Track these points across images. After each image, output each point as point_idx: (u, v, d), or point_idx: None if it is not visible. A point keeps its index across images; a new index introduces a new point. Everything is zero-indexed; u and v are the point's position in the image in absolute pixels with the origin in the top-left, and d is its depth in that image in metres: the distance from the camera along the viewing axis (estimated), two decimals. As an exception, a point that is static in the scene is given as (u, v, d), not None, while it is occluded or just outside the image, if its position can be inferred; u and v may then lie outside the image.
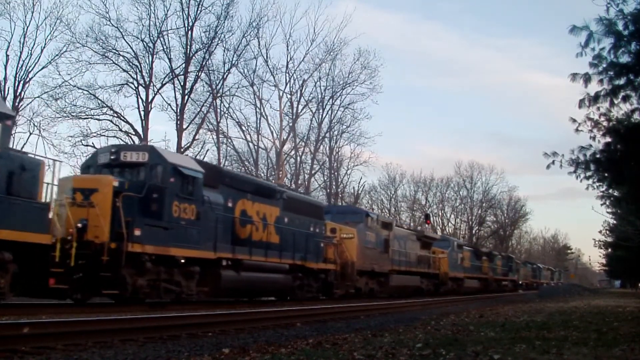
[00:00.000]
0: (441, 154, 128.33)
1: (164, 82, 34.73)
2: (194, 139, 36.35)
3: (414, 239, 31.79)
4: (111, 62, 33.41)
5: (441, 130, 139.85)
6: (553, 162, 11.44)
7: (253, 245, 16.83)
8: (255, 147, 42.40)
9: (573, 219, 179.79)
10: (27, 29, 31.94)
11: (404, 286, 28.78)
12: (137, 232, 12.61)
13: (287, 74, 42.55)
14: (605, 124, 10.84)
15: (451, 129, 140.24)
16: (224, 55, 37.19)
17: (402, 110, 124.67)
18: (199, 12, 34.66)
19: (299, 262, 19.00)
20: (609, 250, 42.24)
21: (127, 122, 33.79)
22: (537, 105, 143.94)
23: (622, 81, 9.90)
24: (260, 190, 18.00)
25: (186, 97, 34.99)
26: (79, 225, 11.87)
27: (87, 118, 33.12)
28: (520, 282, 60.32)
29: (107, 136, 33.18)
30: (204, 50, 35.15)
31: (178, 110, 34.59)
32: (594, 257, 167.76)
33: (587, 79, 9.94)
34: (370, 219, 26.01)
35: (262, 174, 42.24)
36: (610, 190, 15.35)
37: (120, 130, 33.41)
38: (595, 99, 10.16)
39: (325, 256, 21.19)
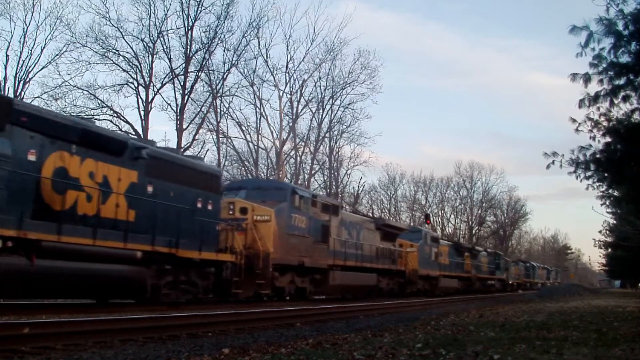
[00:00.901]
0: (441, 154, 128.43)
1: (164, 82, 34.84)
2: (194, 139, 36.45)
3: (371, 227, 26.09)
4: (111, 62, 33.55)
5: (441, 130, 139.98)
6: (553, 162, 11.47)
7: (78, 221, 11.67)
8: (255, 147, 42.49)
9: (573, 219, 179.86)
10: (27, 29, 32.03)
11: (351, 285, 23.20)
12: None
13: (287, 74, 42.65)
14: (605, 124, 10.86)
15: (451, 129, 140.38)
16: (224, 55, 37.31)
17: (403, 110, 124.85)
18: (199, 12, 34.77)
19: (165, 249, 13.56)
20: (609, 250, 42.28)
21: (127, 122, 33.89)
22: (537, 105, 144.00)
23: (622, 81, 9.91)
24: (98, 142, 12.45)
25: (186, 97, 35.06)
26: None
27: (87, 118, 33.09)
28: (510, 282, 55.93)
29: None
30: (204, 50, 35.26)
31: (178, 110, 34.65)
32: (594, 257, 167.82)
33: (587, 79, 9.95)
34: (297, 197, 19.67)
35: (262, 174, 42.28)
36: (610, 190, 15.37)
37: (121, 130, 33.44)
38: (595, 99, 10.17)
39: (227, 244, 16.01)
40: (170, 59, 34.64)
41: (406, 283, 29.22)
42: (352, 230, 23.84)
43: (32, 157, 10.88)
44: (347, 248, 22.93)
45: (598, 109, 10.51)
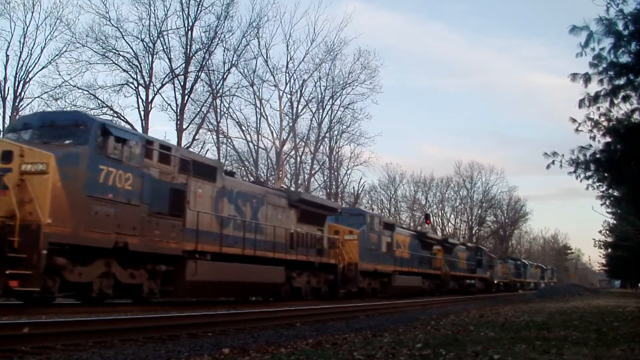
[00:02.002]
0: (441, 154, 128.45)
1: (164, 82, 34.78)
2: (194, 139, 36.40)
3: (280, 203, 19.21)
4: (111, 62, 33.47)
5: (441, 130, 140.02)
6: (553, 162, 11.48)
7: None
8: (255, 147, 42.45)
9: (573, 219, 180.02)
10: (27, 29, 32.06)
11: (233, 282, 16.23)
12: None
13: (287, 74, 42.59)
14: (605, 124, 10.87)
15: (451, 128, 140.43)
16: (224, 55, 37.25)
17: (403, 110, 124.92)
18: (199, 12, 34.71)
19: None
20: (609, 250, 42.30)
21: (127, 122, 33.79)
22: (538, 105, 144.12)
23: (622, 81, 9.92)
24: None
25: (186, 97, 35.01)
26: None
27: (87, 118, 33.07)
28: (495, 282, 50.10)
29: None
30: (204, 50, 35.20)
31: (178, 110, 34.61)
32: (594, 257, 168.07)
33: (587, 79, 9.96)
34: (112, 140, 12.55)
35: (262, 174, 42.29)
36: (610, 190, 15.38)
37: (120, 130, 33.40)
38: (595, 99, 10.18)
39: None
40: (170, 59, 34.63)
41: (344, 280, 22.72)
42: (243, 205, 17.07)
43: None
44: (227, 228, 16.01)
45: (598, 109, 10.53)
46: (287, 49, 42.64)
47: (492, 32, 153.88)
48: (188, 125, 35.91)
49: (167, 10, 34.17)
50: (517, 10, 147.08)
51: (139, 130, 33.29)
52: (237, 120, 41.67)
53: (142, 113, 33.72)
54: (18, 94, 31.58)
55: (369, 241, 25.25)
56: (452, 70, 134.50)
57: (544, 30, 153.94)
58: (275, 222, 18.64)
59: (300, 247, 19.97)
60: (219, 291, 16.99)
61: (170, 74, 34.58)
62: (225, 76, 37.25)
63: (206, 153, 39.03)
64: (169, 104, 35.05)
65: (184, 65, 34.68)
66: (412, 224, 65.40)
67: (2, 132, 27.08)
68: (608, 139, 10.98)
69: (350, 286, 23.23)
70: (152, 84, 34.12)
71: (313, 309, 14.44)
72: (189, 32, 34.59)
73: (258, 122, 42.07)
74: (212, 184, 15.77)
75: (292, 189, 40.23)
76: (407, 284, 29.06)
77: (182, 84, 34.75)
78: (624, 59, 9.78)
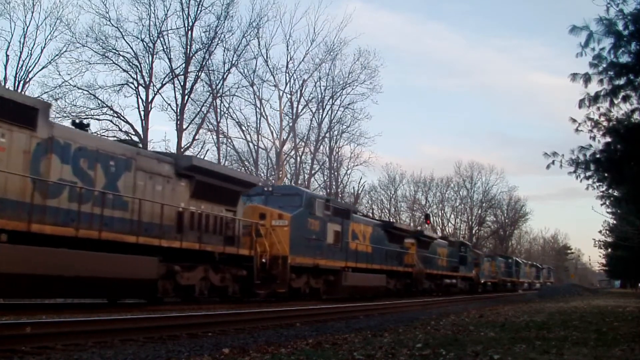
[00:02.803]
0: (441, 154, 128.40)
1: (164, 82, 34.83)
2: (194, 139, 36.45)
3: (161, 171, 14.57)
4: (111, 62, 33.53)
5: (442, 130, 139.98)
6: (553, 162, 11.48)
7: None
8: (255, 147, 42.47)
9: (573, 219, 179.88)
10: (27, 29, 32.01)
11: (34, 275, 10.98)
12: None
13: (287, 74, 42.62)
14: (605, 124, 10.87)
15: (451, 128, 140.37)
16: (224, 55, 37.30)
17: (403, 110, 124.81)
18: (199, 12, 34.77)
19: None
20: (609, 250, 42.30)
21: (127, 122, 33.87)
22: (538, 105, 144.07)
23: (622, 81, 9.93)
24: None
25: (186, 97, 35.06)
26: None
27: (87, 118, 33.15)
28: (482, 282, 45.32)
29: (107, 136, 33.21)
30: (204, 50, 35.25)
31: (178, 110, 34.65)
32: (594, 257, 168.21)
33: (587, 79, 9.97)
34: None
35: (262, 174, 42.29)
36: (610, 190, 15.38)
37: (120, 130, 33.50)
38: (595, 99, 10.19)
39: None
40: (170, 59, 34.68)
41: (267, 279, 17.80)
42: (90, 168, 12.62)
43: None
44: (54, 198, 11.63)
45: (598, 109, 10.53)
46: (287, 49, 42.74)
47: (493, 32, 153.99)
48: (188, 125, 35.99)
49: (167, 10, 34.27)
50: (517, 10, 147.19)
51: (139, 130, 33.35)
52: (237, 120, 41.74)
53: (142, 113, 33.78)
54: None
55: (307, 229, 20.00)
56: (452, 70, 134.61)
57: (543, 30, 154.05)
58: (149, 195, 13.89)
59: (194, 232, 15.04)
60: (32, 289, 11.11)
61: (170, 74, 34.65)
62: (225, 76, 37.35)
63: (206, 153, 39.07)
64: (169, 104, 35.14)
65: (184, 65, 34.73)
66: (412, 224, 65.43)
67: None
68: (608, 139, 11.00)
69: (276, 285, 18.31)
70: (152, 84, 34.18)
71: (313, 309, 14.45)
72: (189, 32, 34.67)
73: (258, 122, 42.14)
74: (28, 132, 11.21)
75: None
76: (364, 284, 23.59)
77: (182, 84, 34.80)
78: (624, 59, 9.80)
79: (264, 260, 17.86)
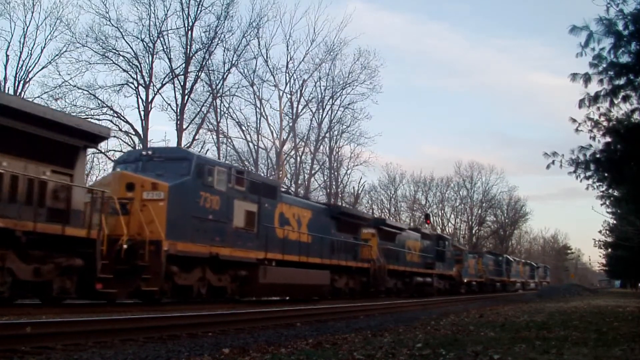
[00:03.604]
0: (441, 154, 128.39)
1: (164, 82, 34.87)
2: (194, 139, 36.46)
3: None
4: (111, 62, 33.58)
5: (442, 130, 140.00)
6: (553, 162, 11.49)
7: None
8: (255, 147, 42.48)
9: (573, 219, 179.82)
10: (27, 29, 32.06)
11: None
12: None
13: (287, 74, 42.62)
14: (605, 124, 10.87)
15: (452, 128, 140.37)
16: (224, 55, 37.31)
17: (403, 110, 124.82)
18: (199, 12, 34.80)
19: None
20: (609, 250, 42.26)
21: (127, 122, 33.89)
22: (538, 105, 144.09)
23: (622, 81, 9.93)
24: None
25: (186, 97, 35.07)
26: None
27: (87, 118, 33.17)
28: (465, 281, 40.61)
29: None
30: (204, 50, 35.28)
31: (178, 110, 34.67)
32: (594, 257, 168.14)
33: (587, 79, 9.97)
34: None
35: (262, 174, 42.29)
36: (610, 190, 15.38)
37: (120, 130, 33.52)
38: (595, 99, 10.19)
39: None
40: (170, 59, 34.71)
41: (129, 272, 13.00)
42: None
43: None
44: None
45: (598, 109, 10.54)
46: (287, 49, 42.74)
47: (493, 32, 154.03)
48: (188, 125, 36.01)
49: (167, 10, 34.30)
50: (518, 11, 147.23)
51: (139, 130, 33.35)
52: (237, 120, 41.73)
53: (142, 113, 33.81)
54: (18, 94, 31.56)
55: (199, 206, 14.84)
56: (452, 70, 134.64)
57: (544, 30, 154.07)
58: None
59: None
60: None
61: (170, 74, 34.68)
62: (225, 76, 37.35)
63: (206, 153, 39.07)
64: (169, 104, 35.16)
65: (184, 65, 34.75)
66: (412, 224, 65.44)
67: None
68: (608, 139, 11.00)
69: (145, 283, 13.10)
70: (152, 84, 34.21)
71: (313, 309, 14.46)
72: (189, 32, 34.69)
73: (258, 122, 42.13)
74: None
75: (292, 189, 40.22)
76: (295, 281, 18.92)
77: (182, 84, 34.83)
78: (624, 59, 9.80)
79: (125, 246, 12.99)
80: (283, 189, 22.93)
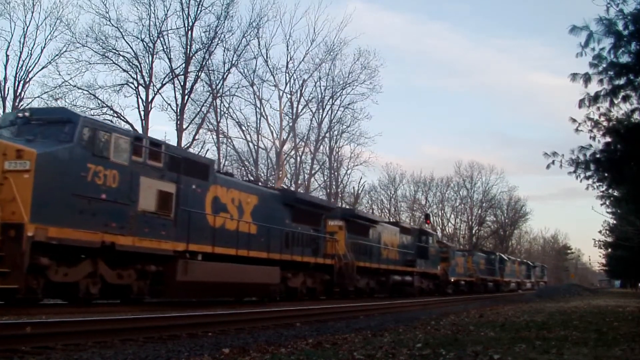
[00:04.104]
0: (441, 154, 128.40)
1: (164, 82, 34.82)
2: (194, 139, 36.43)
3: None
4: (111, 62, 33.52)
5: (442, 131, 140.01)
6: (553, 162, 11.48)
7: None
8: (255, 147, 42.47)
9: (573, 219, 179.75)
10: (27, 29, 32.03)
11: None
12: None
13: (287, 74, 42.60)
14: (605, 124, 10.87)
15: (452, 128, 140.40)
16: (224, 55, 37.29)
17: (403, 110, 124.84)
18: (199, 12, 34.75)
19: None
20: (609, 250, 42.26)
21: (127, 122, 33.83)
22: (538, 105, 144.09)
23: (622, 81, 9.93)
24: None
25: (186, 97, 35.05)
26: None
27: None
28: (452, 280, 37.61)
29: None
30: (204, 50, 35.24)
31: (178, 110, 34.64)
32: (594, 257, 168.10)
33: (587, 79, 9.97)
34: None
35: (262, 174, 42.29)
36: (610, 190, 15.38)
37: (120, 130, 33.41)
38: (595, 99, 10.19)
39: None
40: (170, 59, 34.67)
41: None
42: None
43: None
44: None
45: (598, 109, 10.54)
46: (287, 49, 42.71)
47: (493, 32, 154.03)
48: (188, 125, 35.99)
49: (167, 10, 34.25)
50: (518, 11, 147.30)
51: (139, 130, 33.33)
52: (237, 120, 41.72)
53: (142, 113, 33.78)
54: (18, 94, 31.60)
55: (82, 180, 11.74)
56: (453, 70, 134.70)
57: (544, 30, 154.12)
58: None
59: None
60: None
61: (170, 74, 34.64)
62: (225, 76, 37.31)
63: (206, 153, 39.04)
64: (169, 104, 35.13)
65: (184, 65, 34.72)
66: (412, 224, 65.41)
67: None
68: (608, 139, 11.00)
69: (2, 278, 10.24)
70: (152, 84, 34.17)
71: (313, 309, 14.46)
72: (189, 32, 34.65)
73: (258, 122, 42.11)
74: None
75: (292, 189, 39.82)
76: (229, 279, 15.75)
77: (182, 84, 34.79)
78: (624, 59, 9.80)
79: None
80: (232, 173, 19.47)
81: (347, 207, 32.67)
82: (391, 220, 42.66)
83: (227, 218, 16.25)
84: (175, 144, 33.59)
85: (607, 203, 19.81)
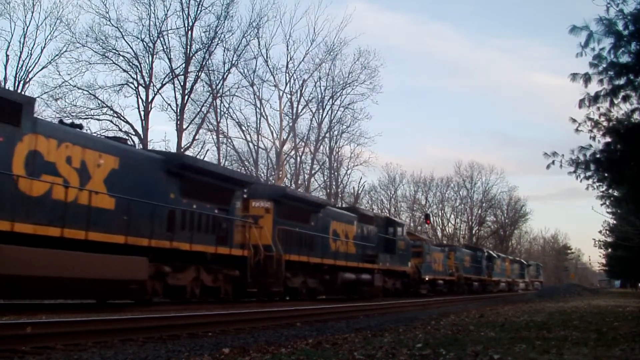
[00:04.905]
0: (441, 154, 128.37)
1: (164, 82, 34.85)
2: (194, 139, 36.47)
3: None
4: (111, 62, 33.55)
5: (442, 130, 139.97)
6: (553, 162, 11.47)
7: None
8: (255, 147, 42.49)
9: (573, 219, 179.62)
10: (27, 29, 32.00)
11: None
12: None
13: (287, 74, 42.62)
14: (605, 124, 10.86)
15: (452, 128, 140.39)
16: (224, 55, 37.32)
17: (403, 110, 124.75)
18: (199, 12, 34.80)
19: None
20: (609, 250, 42.24)
21: (127, 122, 33.87)
22: (538, 105, 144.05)
23: (622, 81, 9.92)
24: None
25: (186, 97, 35.07)
26: None
27: (87, 118, 33.20)
28: (427, 279, 32.56)
29: (108, 136, 33.00)
30: (204, 50, 35.28)
31: (178, 110, 34.67)
32: (594, 257, 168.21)
33: (587, 79, 9.97)
34: None
35: (262, 174, 42.30)
36: (610, 190, 15.39)
37: (120, 130, 33.48)
38: (595, 99, 10.19)
39: None
40: (170, 59, 34.71)
41: None
42: None
43: None
44: None
45: (598, 109, 10.53)
46: (287, 49, 42.74)
47: (494, 32, 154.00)
48: (188, 125, 36.02)
49: (167, 10, 34.29)
50: (518, 11, 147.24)
51: (139, 130, 33.34)
52: (237, 120, 41.73)
53: (142, 113, 33.80)
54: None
55: None
56: (453, 70, 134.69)
57: (544, 30, 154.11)
58: None
59: None
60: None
61: (170, 74, 34.68)
62: (225, 76, 37.34)
63: (206, 153, 39.05)
64: (169, 104, 35.16)
65: (184, 65, 34.75)
66: (412, 224, 65.41)
67: None
68: (608, 139, 10.99)
69: None
70: (152, 84, 34.20)
71: (313, 309, 14.47)
72: (189, 32, 34.69)
73: (258, 122, 42.13)
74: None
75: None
76: (51, 272, 10.93)
77: (182, 84, 34.83)
78: (624, 59, 9.79)
79: None
80: (80, 125, 13.34)
81: (277, 184, 26.89)
82: (351, 205, 38.22)
83: (57, 184, 11.41)
84: (175, 145, 33.63)
85: (607, 203, 19.84)
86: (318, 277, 21.05)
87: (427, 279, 32.77)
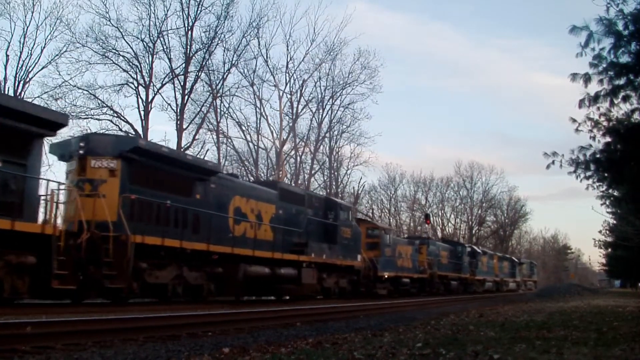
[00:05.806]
0: (441, 154, 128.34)
1: (164, 82, 34.83)
2: (194, 139, 36.44)
3: None
4: (111, 62, 33.52)
5: (442, 130, 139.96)
6: (553, 162, 11.46)
7: None
8: (255, 147, 42.47)
9: (573, 219, 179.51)
10: (27, 29, 31.97)
11: None
12: None
13: (287, 74, 42.59)
14: (605, 124, 10.86)
15: (452, 128, 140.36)
16: (224, 55, 37.30)
17: (403, 110, 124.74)
18: (199, 12, 34.78)
19: None
20: (609, 250, 42.21)
21: (127, 122, 33.85)
22: (538, 105, 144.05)
23: (622, 81, 9.91)
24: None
25: (186, 97, 35.05)
26: None
27: (87, 118, 33.21)
28: (386, 276, 26.87)
29: None
30: (204, 50, 35.26)
31: (178, 110, 34.66)
32: (594, 257, 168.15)
33: (587, 79, 9.96)
34: None
35: (262, 174, 42.29)
36: (610, 190, 15.38)
37: (121, 130, 33.47)
38: (595, 99, 10.18)
39: None
40: (170, 59, 34.69)
41: None
42: None
43: None
44: None
45: (598, 109, 10.51)
46: (287, 49, 42.71)
47: (494, 32, 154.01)
48: (188, 125, 36.00)
49: (167, 10, 34.27)
50: (518, 11, 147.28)
51: (139, 130, 33.33)
52: (237, 120, 41.70)
53: (142, 113, 33.79)
54: (18, 94, 31.54)
55: None
56: (454, 70, 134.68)
57: (544, 30, 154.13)
58: None
59: None
60: None
61: (170, 74, 34.66)
62: (225, 76, 37.32)
63: (206, 153, 39.02)
64: (169, 104, 35.14)
65: (184, 65, 34.73)
66: (412, 224, 65.42)
67: None
68: (608, 139, 10.98)
69: None
70: (152, 84, 34.18)
71: (313, 309, 14.47)
72: (189, 32, 34.67)
73: (258, 122, 42.10)
74: None
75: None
76: None
77: (182, 84, 34.81)
78: (624, 59, 9.78)
79: None
80: None
81: (136, 136, 20.60)
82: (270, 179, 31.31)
83: None
84: (175, 144, 33.65)
85: (607, 203, 19.82)
86: (205, 271, 15.72)
87: (386, 276, 26.90)
